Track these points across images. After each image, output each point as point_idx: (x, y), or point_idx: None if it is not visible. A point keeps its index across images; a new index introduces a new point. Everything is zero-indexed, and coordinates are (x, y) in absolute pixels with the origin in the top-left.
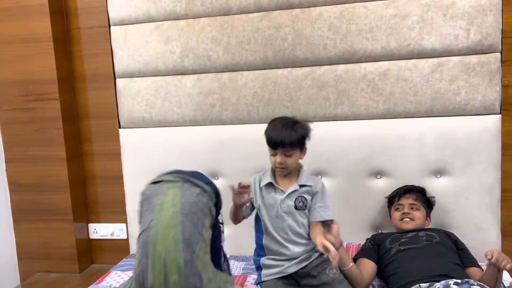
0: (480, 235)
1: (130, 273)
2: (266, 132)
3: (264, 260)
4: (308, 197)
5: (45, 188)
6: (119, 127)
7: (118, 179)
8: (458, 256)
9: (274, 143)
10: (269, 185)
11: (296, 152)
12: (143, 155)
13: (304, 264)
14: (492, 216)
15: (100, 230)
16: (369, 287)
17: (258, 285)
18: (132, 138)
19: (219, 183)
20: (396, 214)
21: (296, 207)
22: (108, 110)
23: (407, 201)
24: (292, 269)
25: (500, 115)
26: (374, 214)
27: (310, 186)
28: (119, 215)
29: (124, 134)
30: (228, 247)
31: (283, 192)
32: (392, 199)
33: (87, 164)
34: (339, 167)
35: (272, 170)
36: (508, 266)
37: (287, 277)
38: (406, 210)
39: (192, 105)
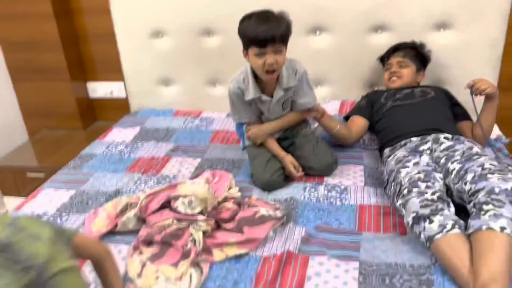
0: None
1: (131, 130)
2: (245, 29)
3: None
4: (292, 95)
5: (38, 46)
6: None
7: (111, 36)
8: (451, 111)
9: (262, 40)
10: (256, 98)
11: (284, 48)
12: (134, 11)
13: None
14: (492, 71)
15: (99, 89)
16: (359, 141)
17: (244, 150)
18: None
19: (213, 40)
20: (385, 74)
21: (283, 109)
22: None
23: (395, 59)
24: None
25: None
26: (371, 71)
27: (294, 86)
28: (116, 73)
29: None
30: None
31: (270, 101)
32: (383, 59)
33: (77, 21)
34: (339, 21)
35: (253, 74)
36: (489, 90)
37: None
38: (393, 69)
39: None
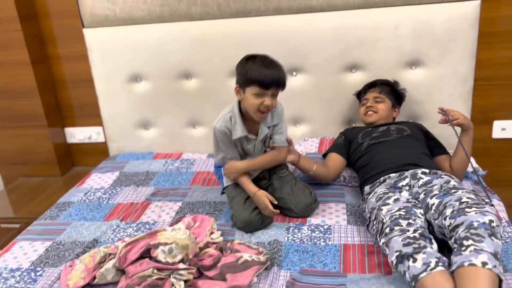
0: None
1: (110, 174)
2: (249, 69)
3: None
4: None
5: (14, 94)
6: (83, 27)
7: (88, 82)
8: (427, 147)
9: (268, 83)
10: (242, 136)
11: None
12: (111, 56)
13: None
14: (463, 105)
15: (77, 134)
16: (338, 178)
17: (224, 193)
18: (98, 38)
19: (192, 83)
20: (362, 109)
21: (265, 147)
22: (69, 8)
23: (371, 94)
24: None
25: (479, 1)
26: (348, 108)
27: (277, 124)
28: (95, 118)
29: (89, 34)
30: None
31: (255, 139)
32: (360, 95)
33: (54, 67)
34: (314, 62)
35: (240, 113)
36: (461, 120)
37: None
38: (369, 104)
39: (158, 0)
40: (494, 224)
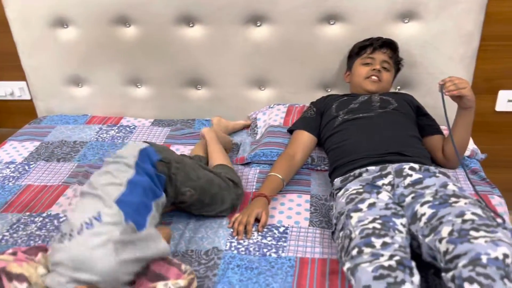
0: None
1: (28, 144)
2: None
3: None
4: None
5: None
6: None
7: (2, 26)
8: (416, 125)
9: None
10: None
11: None
12: None
13: None
14: (464, 70)
15: None
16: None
17: None
18: None
19: (131, 31)
20: (363, 70)
21: None
22: None
23: (381, 56)
24: None
25: None
26: (324, 69)
27: None
28: (15, 71)
29: None
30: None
31: None
32: (362, 49)
33: None
34: (282, 9)
35: None
36: (465, 91)
37: None
38: (378, 67)
39: None
40: (509, 261)
